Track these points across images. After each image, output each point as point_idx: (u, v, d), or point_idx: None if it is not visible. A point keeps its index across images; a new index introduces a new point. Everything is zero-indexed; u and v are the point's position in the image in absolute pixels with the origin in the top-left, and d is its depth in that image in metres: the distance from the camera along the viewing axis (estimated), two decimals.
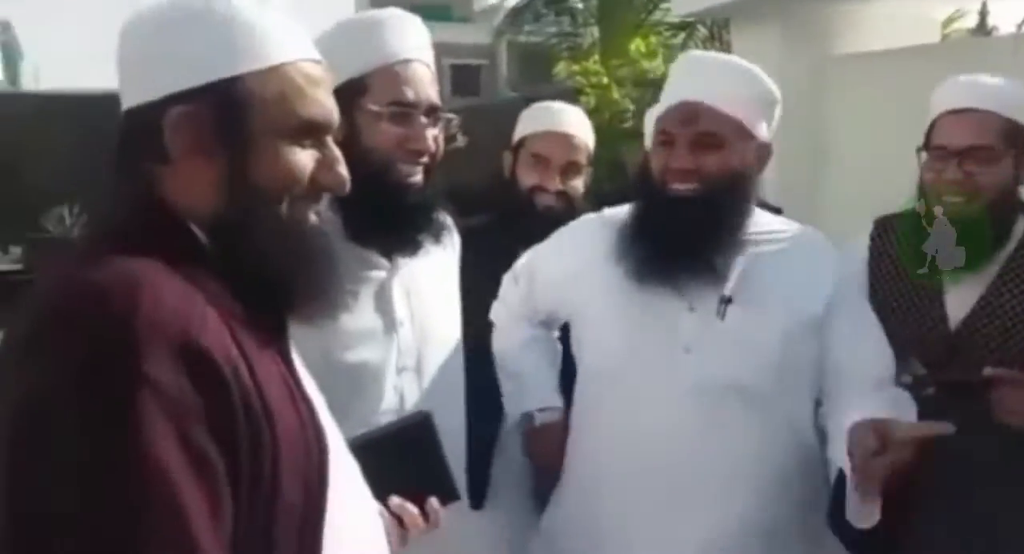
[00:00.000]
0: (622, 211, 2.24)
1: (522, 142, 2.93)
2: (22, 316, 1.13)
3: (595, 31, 11.40)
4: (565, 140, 2.87)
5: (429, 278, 2.08)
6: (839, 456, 1.94)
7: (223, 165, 1.24)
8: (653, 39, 9.80)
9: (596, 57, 9.86)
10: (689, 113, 2.08)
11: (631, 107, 8.20)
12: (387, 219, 1.90)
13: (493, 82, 25.32)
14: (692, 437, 2.07)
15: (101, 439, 1.04)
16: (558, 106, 3.02)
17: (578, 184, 2.91)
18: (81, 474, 1.03)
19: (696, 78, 2.12)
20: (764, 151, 2.15)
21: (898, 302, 2.31)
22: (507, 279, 2.50)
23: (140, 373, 1.04)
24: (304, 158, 1.28)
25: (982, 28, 8.35)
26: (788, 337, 2.09)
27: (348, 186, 1.34)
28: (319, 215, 1.34)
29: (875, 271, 2.36)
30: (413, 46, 1.95)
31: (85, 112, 6.97)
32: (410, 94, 1.91)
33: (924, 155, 2.27)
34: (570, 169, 2.88)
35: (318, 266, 1.31)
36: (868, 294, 2.32)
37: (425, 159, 1.94)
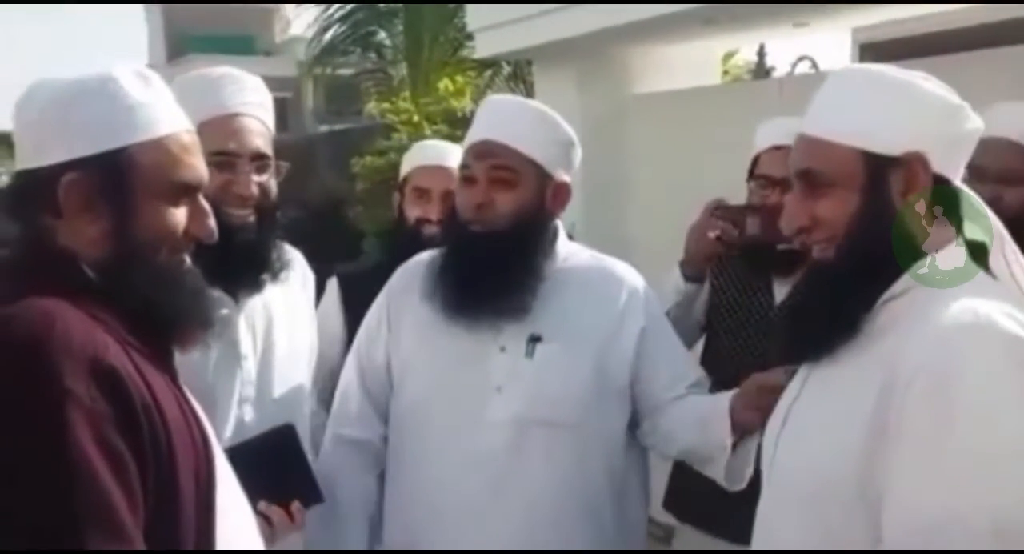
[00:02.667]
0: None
1: (406, 180, 3.06)
2: None
3: (403, 68, 11.62)
4: (443, 172, 2.96)
5: (277, 313, 2.21)
6: (689, 435, 2.19)
7: (108, 222, 1.41)
8: (460, 78, 10.10)
9: (406, 94, 10.09)
10: (487, 149, 2.18)
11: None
12: (223, 258, 1.99)
13: (299, 116, 25.14)
14: (496, 469, 2.14)
15: (33, 444, 1.21)
16: (435, 142, 3.25)
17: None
18: (16, 474, 1.20)
19: (495, 118, 2.23)
20: (562, 191, 2.24)
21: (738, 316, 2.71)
22: (358, 336, 2.45)
23: (62, 387, 1.22)
24: (179, 215, 1.47)
25: (760, 68, 8.98)
26: (597, 370, 2.18)
27: (216, 235, 1.54)
28: (189, 258, 1.53)
29: (718, 299, 2.73)
30: (240, 102, 2.10)
31: None
32: (232, 144, 2.06)
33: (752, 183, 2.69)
34: (449, 198, 2.83)
35: (192, 301, 1.50)
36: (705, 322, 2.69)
37: (252, 203, 2.08)
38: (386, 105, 9.58)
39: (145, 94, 1.45)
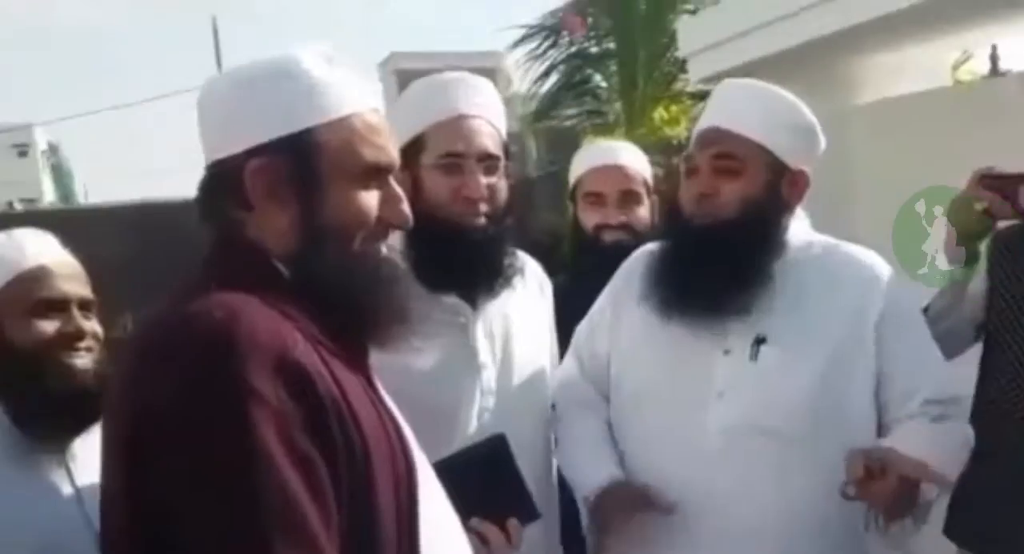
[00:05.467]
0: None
1: (577, 185, 2.86)
2: (128, 350, 1.22)
3: (618, 107, 11.52)
4: (617, 172, 2.78)
5: (515, 320, 2.09)
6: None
7: (298, 209, 1.31)
8: (675, 107, 9.89)
9: (621, 130, 9.95)
10: (711, 137, 2.02)
11: (659, 173, 8.21)
12: (455, 263, 1.94)
13: (523, 165, 25.64)
14: (720, 485, 1.94)
15: (216, 447, 1.10)
16: (605, 142, 3.01)
17: (641, 214, 2.79)
18: (199, 479, 1.09)
19: (723, 103, 2.07)
20: (800, 181, 2.04)
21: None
22: (578, 330, 2.38)
23: (246, 385, 1.11)
24: (370, 199, 1.35)
25: (995, 70, 8.34)
26: (832, 375, 1.95)
27: (411, 222, 1.41)
28: (388, 248, 1.42)
29: (1002, 294, 2.27)
30: (470, 103, 2.01)
31: (144, 222, 7.17)
32: (461, 145, 1.95)
33: None
34: (628, 199, 2.77)
35: (390, 293, 1.37)
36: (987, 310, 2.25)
37: (484, 207, 1.95)
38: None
39: (328, 73, 1.35)
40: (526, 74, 12.76)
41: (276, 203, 1.31)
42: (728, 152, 1.97)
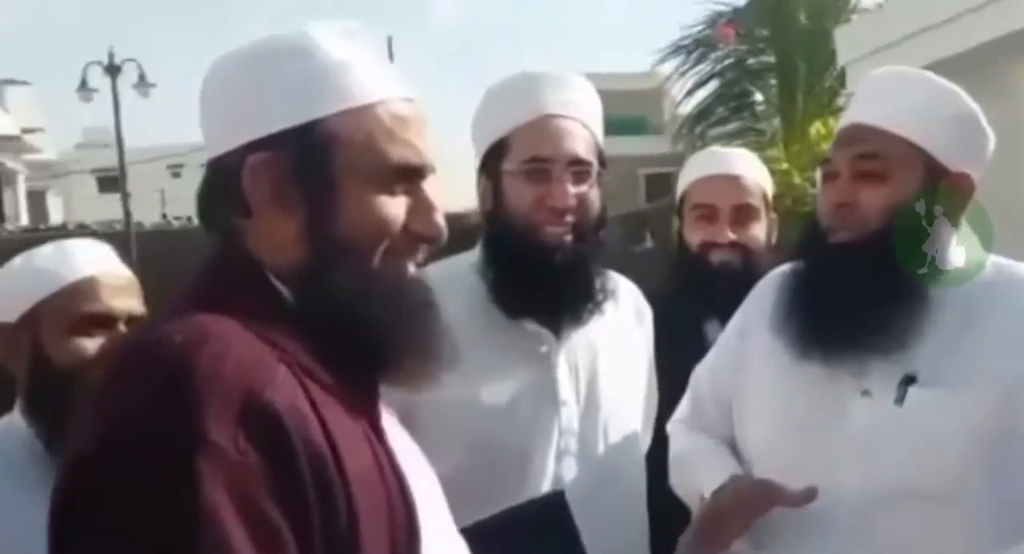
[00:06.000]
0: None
1: (685, 197, 2.45)
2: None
3: (776, 122, 11.11)
4: (730, 182, 2.35)
5: (604, 351, 1.81)
6: None
7: (303, 215, 1.08)
8: (832, 121, 9.41)
9: (778, 146, 9.54)
10: (852, 135, 1.65)
11: (812, 190, 7.80)
12: (537, 284, 1.68)
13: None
14: (848, 549, 1.59)
15: (153, 500, 0.90)
16: (721, 149, 2.58)
17: (756, 232, 2.35)
18: (132, 539, 0.89)
19: (868, 95, 1.70)
20: (962, 185, 1.64)
21: None
22: (697, 369, 1.99)
23: (197, 433, 0.90)
24: (394, 206, 1.11)
25: None
26: (995, 423, 1.57)
27: (444, 236, 1.15)
28: (417, 267, 1.16)
29: None
30: (559, 102, 1.75)
31: None
32: (547, 149, 1.71)
33: None
34: (742, 215, 2.34)
35: (414, 322, 1.13)
36: None
37: (570, 217, 1.71)
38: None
39: (348, 52, 1.11)
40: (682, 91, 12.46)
41: (279, 208, 1.08)
42: (871, 152, 1.61)
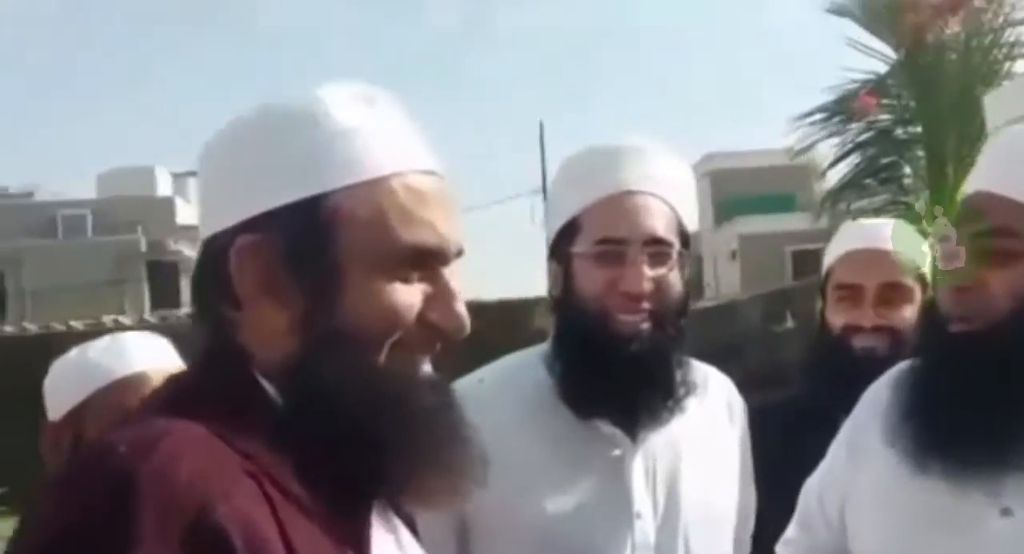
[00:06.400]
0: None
1: (829, 274, 2.22)
2: None
3: (925, 196, 10.60)
4: (880, 258, 2.10)
5: (688, 455, 1.62)
6: None
7: (299, 305, 0.95)
8: None
9: (928, 221, 9.07)
10: (975, 206, 1.44)
11: None
12: (609, 379, 1.52)
13: None
14: None
15: None
16: (870, 221, 2.34)
17: (907, 315, 2.09)
18: None
19: (996, 161, 1.48)
20: None
21: None
22: (807, 484, 1.76)
23: (130, 549, 0.78)
24: (408, 295, 0.97)
25: None
26: None
27: (466, 329, 1.01)
28: (431, 365, 1.02)
29: None
30: (637, 177, 1.59)
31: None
32: (622, 229, 1.55)
33: None
34: (892, 295, 2.09)
35: (424, 430, 0.97)
36: None
37: (647, 304, 1.54)
38: None
39: (362, 119, 0.98)
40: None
41: (271, 298, 0.95)
42: (999, 227, 1.38)
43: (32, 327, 14.02)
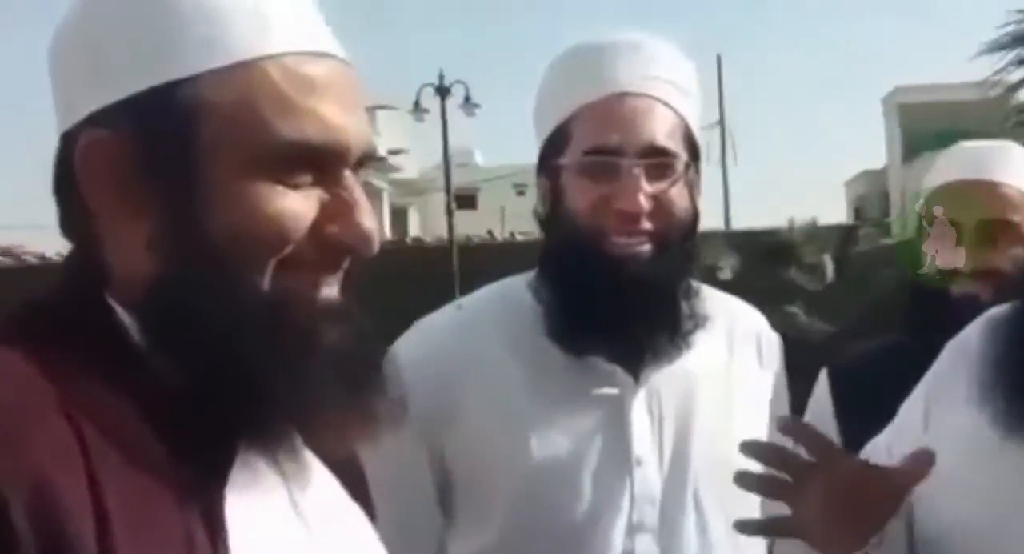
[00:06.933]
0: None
1: (926, 207, 1.89)
2: None
3: None
4: (985, 190, 1.78)
5: (702, 397, 1.42)
6: None
7: (157, 216, 0.79)
8: None
9: None
10: None
11: None
12: (602, 308, 1.32)
13: None
14: None
15: None
16: (972, 145, 1.96)
17: (1010, 257, 1.78)
18: None
19: None
20: None
21: None
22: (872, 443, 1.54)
23: None
24: (295, 202, 0.80)
25: None
26: None
27: (373, 244, 0.83)
28: (340, 289, 0.84)
29: None
30: (637, 76, 1.36)
31: None
32: (614, 137, 1.33)
33: None
34: (992, 233, 1.79)
35: (318, 368, 0.80)
36: None
37: (647, 223, 1.33)
38: None
39: None
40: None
41: (125, 205, 0.80)
42: None
43: None
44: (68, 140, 0.82)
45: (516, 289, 1.44)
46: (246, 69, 0.79)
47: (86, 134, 0.79)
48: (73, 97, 0.83)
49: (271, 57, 0.80)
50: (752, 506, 1.40)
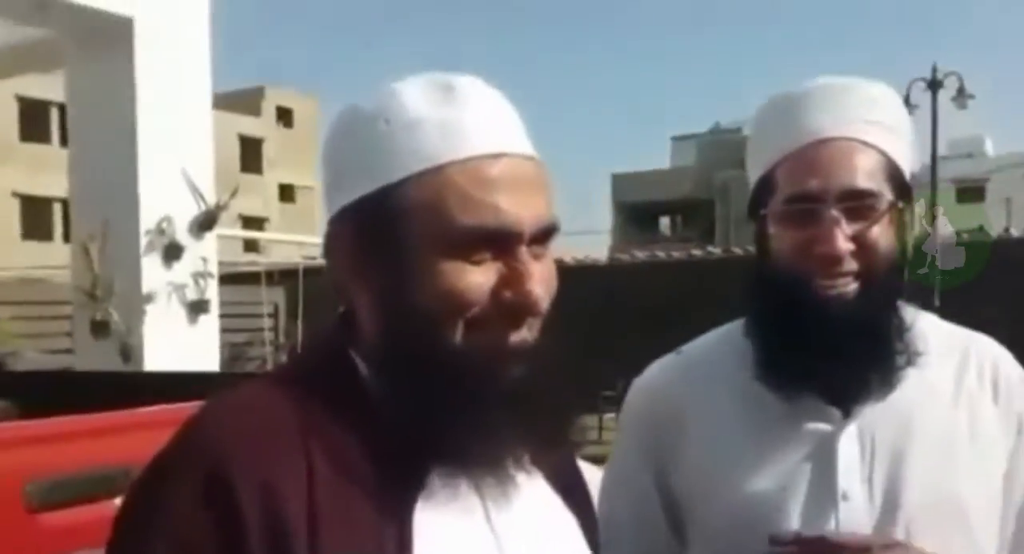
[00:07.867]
0: None
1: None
2: None
3: None
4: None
5: (918, 432, 1.38)
6: None
7: (378, 286, 1.05)
8: None
9: None
10: None
11: None
12: (810, 349, 1.34)
13: None
14: None
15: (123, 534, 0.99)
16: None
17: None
18: None
19: None
20: None
21: None
22: None
23: (153, 498, 0.97)
24: (476, 275, 1.01)
25: None
26: None
27: (539, 304, 1.02)
28: (529, 338, 1.04)
29: None
30: (835, 120, 1.36)
31: None
32: (812, 184, 1.34)
33: None
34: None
35: (502, 402, 1.00)
36: None
37: (852, 264, 1.34)
38: None
39: (430, 109, 1.02)
40: None
41: (358, 280, 1.05)
42: None
43: (737, 251, 15.89)
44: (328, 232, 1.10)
45: (732, 334, 1.50)
46: (436, 173, 1.00)
47: (331, 227, 1.07)
48: (327, 199, 1.10)
49: (454, 162, 1.00)
50: (979, 548, 1.34)
